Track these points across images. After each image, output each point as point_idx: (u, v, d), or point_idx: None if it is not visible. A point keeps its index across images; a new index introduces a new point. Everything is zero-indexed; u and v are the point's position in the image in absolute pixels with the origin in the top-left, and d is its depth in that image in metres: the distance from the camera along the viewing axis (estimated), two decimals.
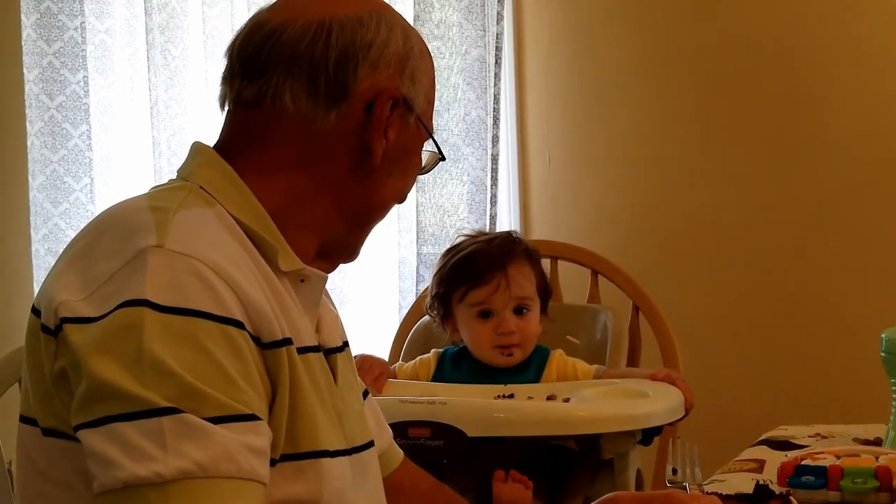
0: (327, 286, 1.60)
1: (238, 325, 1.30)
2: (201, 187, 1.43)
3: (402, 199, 1.58)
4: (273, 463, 1.33)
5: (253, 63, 1.47)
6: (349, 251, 1.57)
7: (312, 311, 1.51)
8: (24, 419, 1.38)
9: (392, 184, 1.53)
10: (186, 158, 1.50)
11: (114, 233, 1.35)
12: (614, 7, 3.84)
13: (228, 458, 1.23)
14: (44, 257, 2.96)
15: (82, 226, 2.92)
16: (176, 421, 1.22)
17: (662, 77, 3.80)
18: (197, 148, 1.51)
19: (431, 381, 2.59)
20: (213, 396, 1.24)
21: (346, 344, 1.63)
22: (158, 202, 1.38)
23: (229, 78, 1.50)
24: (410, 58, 1.50)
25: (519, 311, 2.53)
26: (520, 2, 3.93)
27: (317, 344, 1.48)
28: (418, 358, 2.66)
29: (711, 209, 3.75)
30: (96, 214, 2.87)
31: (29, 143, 2.98)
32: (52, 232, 2.98)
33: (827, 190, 3.64)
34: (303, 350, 1.42)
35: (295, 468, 1.37)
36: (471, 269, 2.54)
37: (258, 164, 1.46)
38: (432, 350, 2.66)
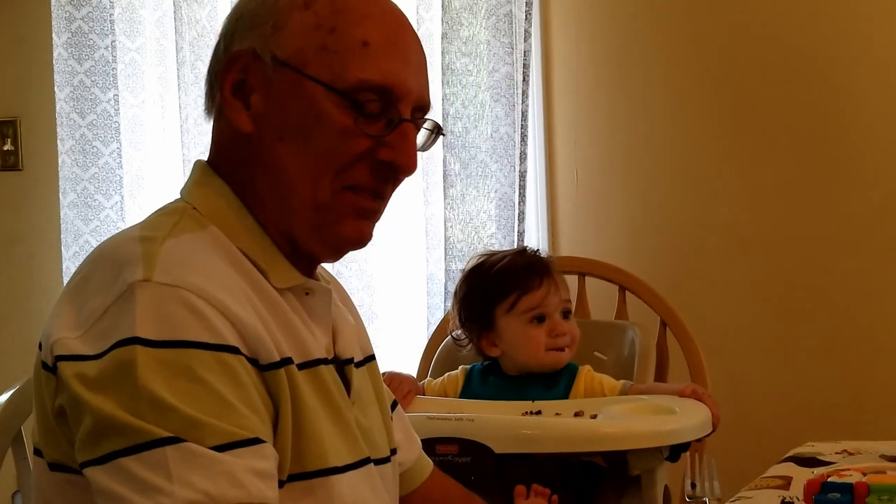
0: (356, 301, 1.60)
1: (233, 350, 1.29)
2: (195, 208, 1.43)
3: (338, 164, 1.42)
4: (281, 484, 1.33)
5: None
6: (312, 243, 1.46)
7: (324, 322, 1.50)
8: (35, 451, 1.39)
9: (293, 146, 1.41)
10: (188, 176, 1.52)
11: (105, 266, 1.34)
12: (642, 24, 3.84)
13: (236, 485, 1.23)
14: None
15: None
16: (179, 450, 1.22)
17: (691, 94, 3.80)
18: (196, 166, 1.51)
19: (459, 396, 2.60)
20: (214, 425, 1.24)
21: (369, 357, 1.62)
22: (148, 231, 1.37)
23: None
24: (261, 10, 1.43)
25: (566, 314, 2.56)
26: (547, 19, 3.94)
27: (327, 356, 1.47)
28: (447, 374, 2.66)
29: (739, 225, 3.74)
30: None
31: (60, 161, 3.01)
32: (82, 249, 3.00)
33: (856, 206, 3.63)
34: (310, 364, 1.41)
35: (304, 487, 1.37)
36: (520, 276, 2.56)
37: (231, 176, 1.47)
38: (460, 366, 2.67)
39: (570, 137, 3.93)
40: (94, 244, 2.99)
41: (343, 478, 1.41)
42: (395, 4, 1.49)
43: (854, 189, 3.63)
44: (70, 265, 2.98)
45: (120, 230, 1.46)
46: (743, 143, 3.74)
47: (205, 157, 3.10)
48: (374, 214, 1.47)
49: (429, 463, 1.80)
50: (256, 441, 1.27)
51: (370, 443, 1.50)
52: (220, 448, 1.23)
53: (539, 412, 2.44)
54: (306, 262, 1.49)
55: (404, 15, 1.49)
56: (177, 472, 1.21)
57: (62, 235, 2.99)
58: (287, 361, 1.36)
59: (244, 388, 1.29)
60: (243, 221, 1.43)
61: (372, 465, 1.49)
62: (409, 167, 1.45)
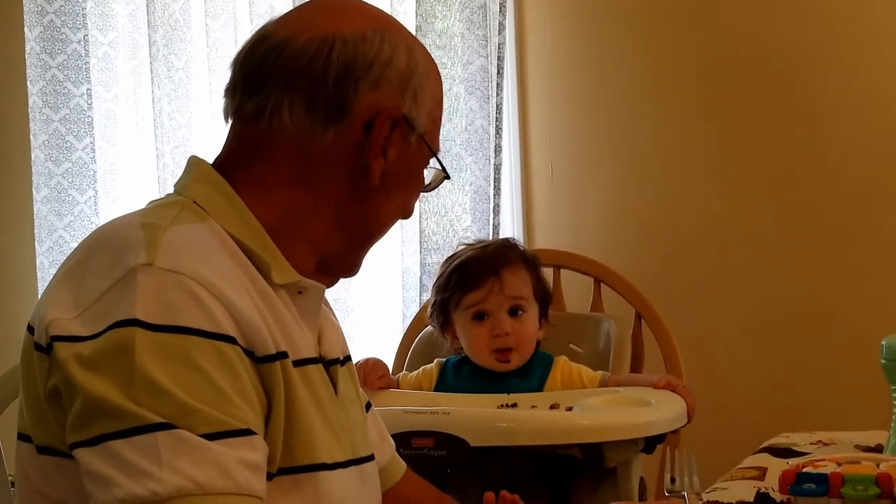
0: (330, 297, 1.61)
1: (230, 340, 1.30)
2: (195, 202, 1.43)
3: (405, 216, 1.58)
4: (270, 477, 1.34)
5: (254, 77, 1.48)
6: (349, 266, 1.57)
7: (312, 322, 1.51)
8: (20, 436, 1.38)
9: (392, 202, 1.52)
10: (182, 173, 1.51)
11: (105, 250, 1.34)
12: (617, 16, 3.85)
13: (224, 474, 1.23)
14: (48, 270, 2.97)
15: None
16: (171, 436, 1.22)
17: (666, 86, 3.80)
18: (192, 162, 1.51)
19: (434, 390, 2.60)
20: (207, 413, 1.25)
21: (347, 358, 1.63)
22: (150, 218, 1.37)
23: (231, 91, 1.50)
24: (414, 76, 1.49)
25: (514, 312, 2.54)
26: (521, 12, 3.93)
27: (316, 356, 1.48)
28: (421, 368, 2.66)
29: (712, 218, 3.75)
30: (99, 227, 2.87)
31: (33, 155, 2.99)
32: (56, 244, 2.99)
33: (829, 199, 3.64)
34: (301, 362, 1.42)
35: (292, 482, 1.37)
36: (465, 274, 2.57)
37: (256, 179, 1.46)
38: (435, 360, 2.67)
39: (544, 130, 3.93)
40: (68, 239, 2.98)
41: (332, 475, 1.42)
42: None
43: (829, 183, 3.64)
44: (44, 260, 2.97)
45: (112, 219, 1.45)
46: (719, 135, 3.75)
47: (180, 151, 3.12)
48: None
49: (402, 464, 1.81)
50: (248, 432, 1.28)
51: (354, 442, 1.51)
52: (212, 437, 1.24)
53: (515, 405, 2.44)
54: (313, 273, 1.52)
55: None
56: (167, 458, 1.21)
57: (35, 231, 2.97)
58: (282, 355, 1.37)
59: (239, 378, 1.30)
60: (244, 218, 1.43)
61: (358, 465, 1.50)
62: None
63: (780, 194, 3.68)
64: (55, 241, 2.96)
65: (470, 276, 2.56)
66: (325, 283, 1.53)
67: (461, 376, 2.59)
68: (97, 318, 1.27)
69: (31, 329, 1.34)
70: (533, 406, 2.43)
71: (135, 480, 1.20)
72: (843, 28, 3.62)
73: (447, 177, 1.61)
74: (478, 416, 2.34)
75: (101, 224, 2.91)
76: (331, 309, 1.67)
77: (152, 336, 1.25)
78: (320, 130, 1.45)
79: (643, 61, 3.82)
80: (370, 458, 1.57)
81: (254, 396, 1.32)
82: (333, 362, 1.55)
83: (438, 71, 1.57)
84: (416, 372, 2.65)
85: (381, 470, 1.70)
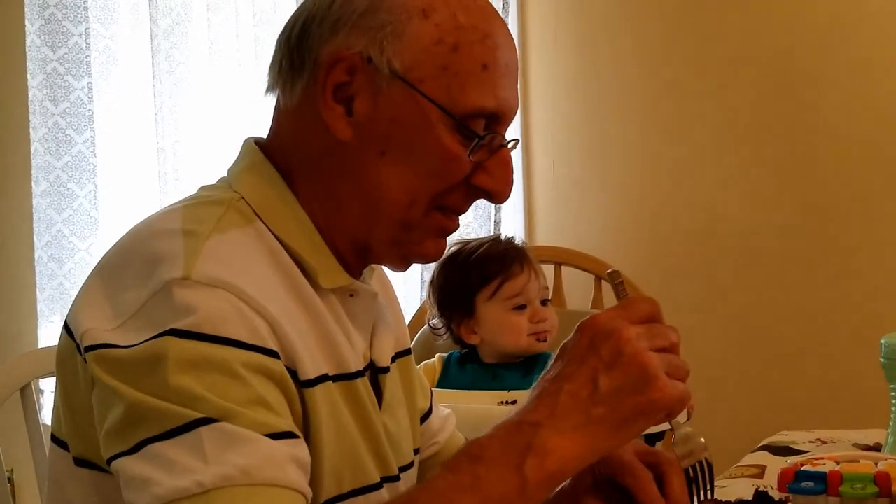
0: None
1: (272, 354, 1.23)
2: (243, 198, 1.35)
3: (442, 201, 1.36)
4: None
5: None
6: (386, 255, 1.41)
7: (364, 326, 1.43)
8: (55, 440, 1.33)
9: (394, 165, 1.33)
10: (237, 157, 1.43)
11: (143, 258, 1.27)
12: (620, 12, 3.84)
13: (274, 465, 1.16)
14: (46, 264, 2.95)
15: (86, 233, 2.89)
16: (215, 430, 1.15)
17: (668, 83, 3.80)
18: (246, 149, 1.42)
19: (437, 385, 2.59)
20: (248, 415, 1.17)
21: (404, 351, 1.56)
22: (192, 224, 1.29)
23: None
24: (380, 11, 1.32)
25: (544, 302, 2.57)
26: (524, 9, 3.93)
27: (363, 367, 1.40)
28: (423, 363, 2.66)
29: (713, 216, 3.75)
30: (100, 221, 2.84)
31: (32, 149, 2.98)
32: (55, 238, 2.98)
33: (829, 197, 3.64)
34: (345, 377, 1.35)
35: None
36: (501, 262, 2.57)
37: (289, 166, 1.38)
38: (437, 355, 2.66)
39: (546, 126, 3.92)
40: (67, 233, 2.97)
41: (364, 499, 1.35)
42: (503, 20, 1.42)
43: (829, 181, 3.65)
44: (42, 254, 2.95)
45: (157, 213, 1.36)
46: (721, 133, 3.75)
47: (181, 145, 3.10)
48: (453, 231, 1.42)
49: (460, 439, 1.71)
50: (292, 434, 1.21)
51: (397, 450, 1.45)
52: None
53: (514, 402, 2.43)
54: (362, 266, 1.43)
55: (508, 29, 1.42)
56: (212, 452, 1.13)
57: (34, 224, 2.96)
58: (322, 378, 1.29)
59: (278, 393, 1.23)
60: (295, 216, 1.35)
61: (393, 483, 1.43)
62: (506, 196, 1.40)
63: (782, 193, 3.68)
64: (54, 235, 2.95)
65: (508, 263, 2.57)
66: (359, 273, 1.43)
67: (464, 371, 2.59)
68: (135, 330, 1.21)
69: (68, 330, 1.28)
70: None
71: (178, 476, 1.13)
72: (845, 28, 3.62)
73: (504, 143, 1.38)
74: (477, 414, 2.34)
75: (101, 218, 2.93)
76: (392, 292, 1.60)
77: (188, 345, 1.18)
78: (290, 91, 1.36)
79: (646, 58, 3.82)
80: (411, 464, 1.51)
81: (291, 413, 1.25)
82: (383, 371, 1.46)
83: (469, 19, 1.34)
84: (417, 367, 2.64)
85: (439, 451, 1.66)
